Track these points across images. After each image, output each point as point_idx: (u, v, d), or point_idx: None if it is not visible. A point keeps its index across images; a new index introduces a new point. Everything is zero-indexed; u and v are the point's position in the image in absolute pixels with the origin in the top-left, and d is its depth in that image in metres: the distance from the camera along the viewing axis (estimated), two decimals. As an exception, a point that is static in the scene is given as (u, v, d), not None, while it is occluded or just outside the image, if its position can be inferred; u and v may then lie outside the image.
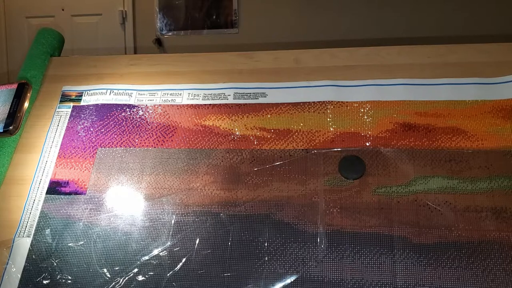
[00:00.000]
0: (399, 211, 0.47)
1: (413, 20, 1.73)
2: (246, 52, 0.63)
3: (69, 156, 0.58)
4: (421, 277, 0.44)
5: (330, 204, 0.49)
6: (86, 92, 0.62)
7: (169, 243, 0.50)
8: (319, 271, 0.46)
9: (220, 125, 0.57)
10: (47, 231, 0.53)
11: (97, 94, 0.62)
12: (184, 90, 0.60)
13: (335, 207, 0.49)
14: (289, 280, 0.46)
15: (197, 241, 0.49)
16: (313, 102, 0.56)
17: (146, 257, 0.49)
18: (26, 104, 0.60)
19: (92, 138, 0.58)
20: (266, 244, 0.48)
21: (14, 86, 0.60)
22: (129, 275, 0.48)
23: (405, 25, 1.74)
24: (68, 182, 0.56)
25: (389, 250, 0.45)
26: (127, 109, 0.60)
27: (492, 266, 0.43)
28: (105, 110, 0.60)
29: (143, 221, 0.52)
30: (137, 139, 0.57)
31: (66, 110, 0.61)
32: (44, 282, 0.49)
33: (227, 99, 0.58)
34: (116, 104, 0.60)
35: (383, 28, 1.75)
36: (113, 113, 0.60)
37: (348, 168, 0.51)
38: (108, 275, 0.49)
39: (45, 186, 0.56)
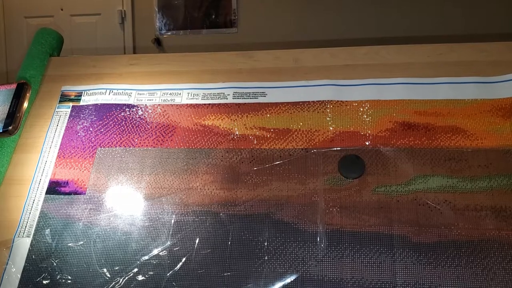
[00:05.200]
0: (398, 210, 0.47)
1: (412, 19, 1.73)
2: (246, 51, 0.63)
3: (68, 156, 0.57)
4: (420, 276, 0.44)
5: (329, 203, 0.49)
6: (86, 92, 0.62)
7: (169, 242, 0.50)
8: (319, 270, 0.46)
9: (220, 125, 0.57)
10: (47, 231, 0.53)
11: (96, 94, 0.62)
12: (184, 90, 0.60)
13: (334, 206, 0.49)
14: (289, 280, 0.46)
15: (197, 241, 0.49)
16: (313, 101, 0.56)
17: (146, 257, 0.49)
18: (25, 104, 0.60)
19: (91, 138, 0.58)
20: (266, 244, 0.48)
21: (13, 86, 0.60)
22: (129, 275, 0.48)
23: (404, 24, 1.74)
24: (67, 182, 0.56)
25: (389, 249, 0.45)
26: (127, 109, 0.60)
27: (491, 264, 0.43)
28: (104, 110, 0.60)
29: (142, 221, 0.52)
30: (137, 139, 0.57)
31: (65, 110, 0.61)
32: (44, 282, 0.49)
33: (227, 98, 0.58)
34: (115, 104, 0.60)
35: (383, 27, 1.75)
36: (112, 113, 0.60)
37: (347, 168, 0.51)
38: (108, 275, 0.49)
39: (44, 186, 0.56)
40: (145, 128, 0.58)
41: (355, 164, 0.51)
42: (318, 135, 0.54)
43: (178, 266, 0.48)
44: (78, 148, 0.58)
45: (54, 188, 0.55)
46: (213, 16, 1.88)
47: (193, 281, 0.47)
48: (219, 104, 0.58)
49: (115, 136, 0.58)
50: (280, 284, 0.45)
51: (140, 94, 0.61)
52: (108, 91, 0.62)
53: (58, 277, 0.49)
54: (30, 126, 0.61)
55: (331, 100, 0.56)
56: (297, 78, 0.58)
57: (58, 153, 0.58)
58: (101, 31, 1.96)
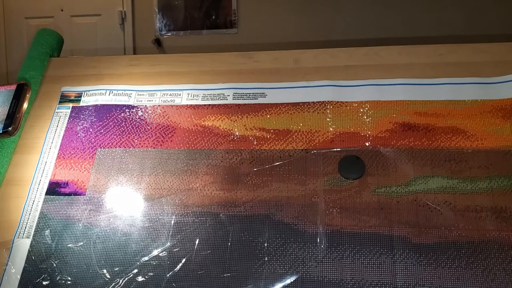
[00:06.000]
0: (398, 211, 0.47)
1: (412, 20, 1.73)
2: (246, 52, 0.62)
3: (68, 156, 0.57)
4: (421, 277, 0.44)
5: (329, 204, 0.49)
6: (86, 93, 0.62)
7: (168, 243, 0.50)
8: (319, 271, 0.45)
9: (220, 126, 0.57)
10: (47, 232, 0.52)
11: (96, 95, 0.62)
12: (184, 91, 0.60)
13: (334, 207, 0.49)
14: (289, 280, 0.45)
15: (196, 242, 0.49)
16: (313, 102, 0.56)
17: (146, 258, 0.49)
18: (25, 105, 0.60)
19: (91, 139, 0.58)
20: (266, 245, 0.48)
21: (13, 87, 0.60)
22: (129, 276, 0.48)
23: (404, 25, 1.74)
24: (67, 183, 0.56)
25: (389, 250, 0.45)
26: (127, 110, 0.60)
27: (492, 265, 0.43)
28: (104, 111, 0.60)
29: (142, 222, 0.51)
30: (137, 139, 0.57)
31: (65, 110, 0.61)
32: (44, 283, 0.49)
33: (227, 99, 0.58)
34: (115, 105, 0.60)
35: (383, 28, 1.75)
36: (112, 113, 0.60)
37: (347, 168, 0.51)
38: (108, 276, 0.49)
39: (44, 187, 0.56)
40: (145, 129, 0.58)
41: (355, 165, 0.50)
42: (318, 136, 0.53)
43: (178, 267, 0.48)
44: (78, 149, 0.58)
45: (54, 189, 0.55)
46: (213, 17, 1.88)
47: (193, 282, 0.47)
48: (219, 105, 0.58)
49: (115, 136, 0.58)
50: (280, 285, 0.45)
51: (140, 94, 0.61)
52: (108, 91, 0.62)
53: (58, 278, 0.49)
54: (30, 127, 0.61)
55: (331, 101, 0.55)
56: (297, 79, 0.58)
57: (58, 154, 0.58)
58: (101, 32, 1.96)
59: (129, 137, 0.58)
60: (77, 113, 0.61)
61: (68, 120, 0.60)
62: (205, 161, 0.54)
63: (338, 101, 0.55)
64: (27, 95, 0.60)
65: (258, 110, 0.57)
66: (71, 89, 0.63)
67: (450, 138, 0.51)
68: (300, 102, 0.56)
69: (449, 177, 0.48)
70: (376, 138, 0.52)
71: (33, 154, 0.59)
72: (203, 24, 1.89)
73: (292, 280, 0.45)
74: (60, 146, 0.58)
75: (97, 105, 0.61)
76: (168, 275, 0.48)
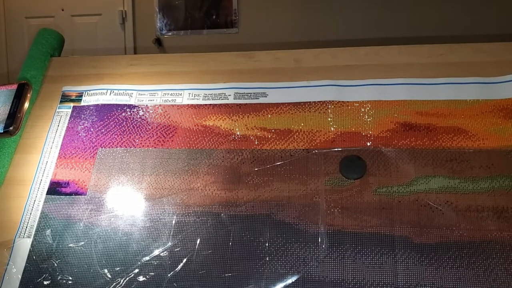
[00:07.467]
0: (400, 211, 0.47)
1: (413, 20, 1.73)
2: (246, 52, 0.62)
3: (69, 156, 0.57)
4: (422, 277, 0.44)
5: (331, 204, 0.49)
6: (86, 92, 0.62)
7: (169, 243, 0.50)
8: (320, 271, 0.45)
9: (221, 125, 0.56)
10: (48, 231, 0.52)
11: (97, 94, 0.62)
12: (185, 90, 0.60)
13: (336, 207, 0.49)
14: (290, 280, 0.45)
15: (198, 242, 0.49)
16: (314, 102, 0.56)
17: (147, 258, 0.49)
18: (26, 105, 0.60)
19: (92, 139, 0.58)
20: (267, 244, 0.48)
21: (14, 86, 0.60)
22: (130, 275, 0.48)
23: (405, 25, 1.74)
24: (68, 183, 0.56)
25: (390, 250, 0.45)
26: (128, 109, 0.60)
27: (493, 266, 0.43)
28: (105, 110, 0.60)
29: (143, 222, 0.51)
30: (138, 139, 0.57)
31: (66, 110, 0.61)
32: (45, 282, 0.49)
33: (228, 99, 0.58)
34: (116, 104, 0.60)
35: (383, 28, 1.75)
36: (113, 113, 0.60)
37: (349, 168, 0.50)
38: (109, 276, 0.49)
39: (45, 186, 0.56)
40: (146, 129, 0.58)
41: (356, 165, 0.50)
42: (319, 136, 0.53)
43: (179, 267, 0.48)
44: (79, 148, 0.58)
45: (55, 188, 0.55)
46: (214, 17, 1.88)
47: (194, 282, 0.47)
48: (220, 104, 0.58)
49: (116, 136, 0.58)
50: (281, 285, 0.45)
51: (141, 94, 0.61)
52: (109, 91, 0.62)
53: (59, 277, 0.49)
54: (31, 126, 0.61)
55: (332, 101, 0.55)
56: (298, 79, 0.58)
57: (59, 153, 0.58)
58: (101, 32, 1.97)
59: (130, 137, 0.58)
60: (78, 112, 0.61)
61: (69, 120, 0.60)
62: (206, 160, 0.54)
63: (339, 101, 0.55)
64: (28, 95, 0.60)
65: (259, 110, 0.57)
66: (72, 89, 0.63)
67: (451, 138, 0.51)
68: (301, 102, 0.56)
69: (451, 177, 0.48)
70: (377, 138, 0.52)
71: (34, 154, 0.59)
72: (203, 24, 1.89)
73: (293, 280, 0.45)
74: (61, 145, 0.58)
75: (98, 104, 0.61)
76: (169, 275, 0.48)
